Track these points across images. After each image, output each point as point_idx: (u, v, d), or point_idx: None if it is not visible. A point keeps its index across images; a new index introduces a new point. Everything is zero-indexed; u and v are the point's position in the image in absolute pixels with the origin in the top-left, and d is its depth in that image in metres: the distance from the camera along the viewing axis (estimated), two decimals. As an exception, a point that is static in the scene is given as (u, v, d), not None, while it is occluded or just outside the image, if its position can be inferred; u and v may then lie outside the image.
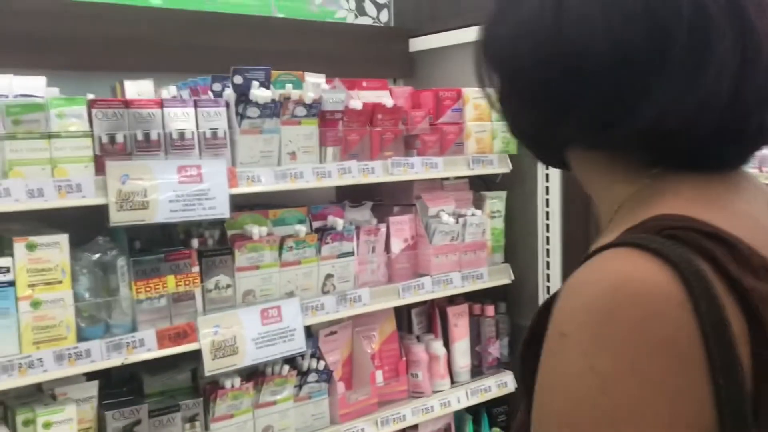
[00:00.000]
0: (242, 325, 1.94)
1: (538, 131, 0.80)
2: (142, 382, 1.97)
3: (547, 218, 2.49)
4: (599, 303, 0.62)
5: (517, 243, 2.62)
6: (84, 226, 1.81)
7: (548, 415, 0.65)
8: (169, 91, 2.03)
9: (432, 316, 2.56)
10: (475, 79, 0.85)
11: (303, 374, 2.10)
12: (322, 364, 2.14)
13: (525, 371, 0.75)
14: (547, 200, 2.48)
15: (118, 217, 1.72)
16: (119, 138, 1.77)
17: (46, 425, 1.70)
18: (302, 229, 2.09)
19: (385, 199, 2.48)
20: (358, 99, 2.21)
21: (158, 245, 1.95)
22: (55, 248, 1.69)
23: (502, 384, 2.57)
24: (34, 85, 1.77)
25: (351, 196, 2.44)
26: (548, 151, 0.86)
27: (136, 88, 2.02)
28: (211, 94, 1.99)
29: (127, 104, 1.80)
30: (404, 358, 2.40)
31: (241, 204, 2.12)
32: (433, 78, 2.83)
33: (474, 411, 2.60)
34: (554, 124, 0.76)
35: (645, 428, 0.60)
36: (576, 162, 0.83)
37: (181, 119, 1.86)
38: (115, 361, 1.76)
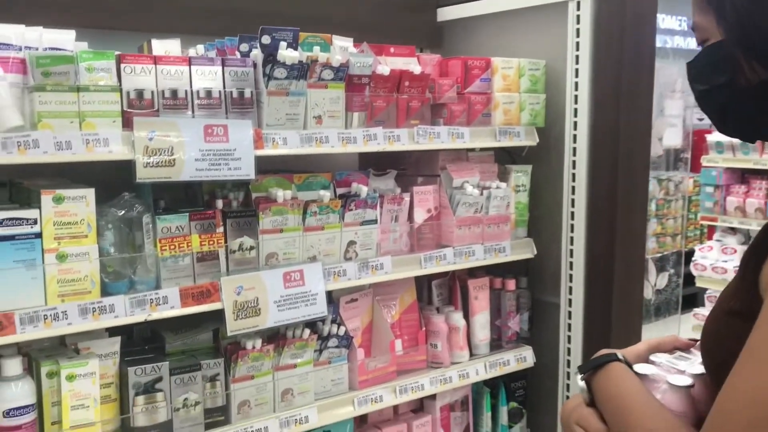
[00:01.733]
0: (265, 287, 1.93)
1: None
2: (163, 341, 1.98)
3: (573, 193, 2.46)
4: None
5: (541, 218, 2.60)
6: (110, 182, 1.81)
7: None
8: (197, 51, 2.03)
9: (452, 288, 2.55)
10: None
11: (323, 339, 2.10)
12: (342, 329, 2.14)
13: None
14: (573, 175, 2.45)
15: (144, 173, 1.72)
16: (147, 94, 1.76)
17: (70, 377, 1.71)
18: (326, 194, 2.08)
19: (408, 169, 2.46)
20: (386, 64, 2.19)
21: (182, 205, 1.95)
22: (82, 202, 1.69)
23: (521, 358, 2.55)
24: (63, 38, 1.76)
25: (373, 163, 2.42)
26: None
27: (164, 48, 2.01)
28: (238, 54, 1.98)
29: (156, 61, 1.79)
30: (424, 329, 2.39)
31: (264, 168, 2.11)
32: (459, 48, 2.80)
33: (492, 384, 2.59)
34: None
35: None
36: None
37: (209, 78, 1.85)
38: (139, 317, 1.76)
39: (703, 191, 5.65)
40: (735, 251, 5.40)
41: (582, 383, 1.16)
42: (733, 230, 5.59)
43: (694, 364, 1.14)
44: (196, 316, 1.89)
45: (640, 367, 1.15)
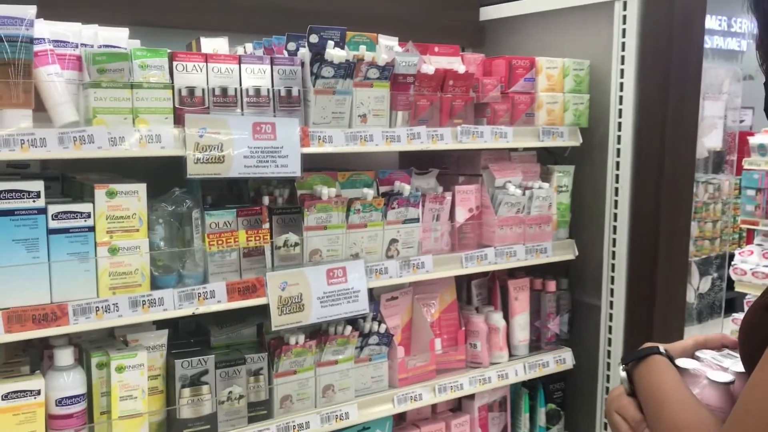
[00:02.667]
0: (309, 283, 1.95)
1: None
2: (208, 334, 2.01)
3: (616, 195, 2.44)
4: None
5: (583, 219, 2.58)
6: (161, 177, 1.84)
7: None
8: (245, 50, 2.05)
9: (492, 288, 2.54)
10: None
11: (364, 336, 2.11)
12: (383, 327, 2.15)
13: None
14: (617, 176, 2.43)
15: (195, 170, 1.75)
16: (198, 92, 1.79)
17: (119, 369, 1.75)
18: (370, 192, 2.09)
19: (450, 167, 2.46)
20: (430, 64, 2.19)
21: (229, 201, 1.97)
22: (134, 197, 1.73)
23: (560, 360, 2.54)
24: (117, 36, 1.80)
25: (415, 162, 2.43)
26: None
27: (212, 46, 2.04)
28: (286, 52, 2.00)
29: (207, 59, 1.82)
30: (463, 328, 2.39)
31: (308, 165, 2.13)
32: (502, 48, 2.79)
33: (530, 386, 2.58)
34: None
35: None
36: None
37: (258, 76, 1.87)
38: (187, 310, 1.80)
39: (744, 194, 5.55)
40: (776, 256, 5.29)
41: (623, 373, 1.20)
42: (775, 235, 5.48)
43: (739, 362, 1.14)
44: (241, 310, 1.92)
45: (682, 361, 1.17)
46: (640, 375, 1.16)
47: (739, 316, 5.41)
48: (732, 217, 5.90)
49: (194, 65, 1.80)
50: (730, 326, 5.31)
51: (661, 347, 1.19)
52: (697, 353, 1.23)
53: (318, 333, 2.06)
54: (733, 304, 5.37)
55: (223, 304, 1.84)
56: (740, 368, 1.12)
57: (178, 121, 1.76)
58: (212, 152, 1.76)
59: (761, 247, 5.49)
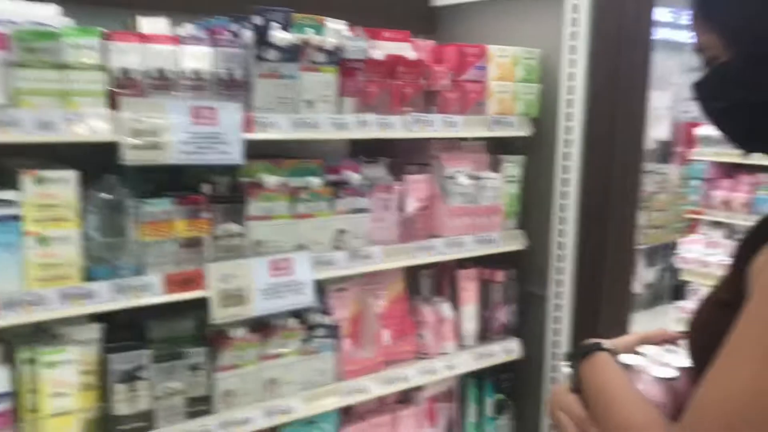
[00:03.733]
0: (251, 275, 1.89)
1: None
2: (146, 328, 1.93)
3: (564, 186, 2.43)
4: None
5: (532, 210, 2.57)
6: (94, 164, 1.75)
7: None
8: (186, 30, 1.96)
9: (441, 278, 2.52)
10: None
11: (310, 328, 2.06)
12: (330, 319, 2.10)
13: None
14: (566, 166, 2.42)
15: (130, 156, 1.66)
16: (134, 74, 1.70)
17: (48, 365, 1.66)
18: (316, 181, 2.03)
19: (401, 156, 2.41)
20: (379, 49, 2.14)
21: (168, 189, 1.89)
22: (64, 184, 1.64)
23: (508, 350, 2.54)
24: (45, 13, 1.70)
25: (364, 151, 2.38)
26: None
27: (151, 25, 1.95)
28: (228, 34, 1.92)
29: (144, 39, 1.73)
30: (412, 319, 2.36)
31: (252, 152, 2.06)
32: (453, 35, 2.75)
33: (478, 376, 2.57)
34: None
35: None
36: None
37: (198, 58, 1.79)
38: (122, 303, 1.72)
39: (690, 185, 5.67)
40: (720, 245, 5.43)
41: (567, 370, 1.19)
42: (718, 224, 5.62)
43: (681, 357, 1.15)
44: (181, 303, 1.85)
45: (625, 358, 1.17)
46: (585, 372, 1.15)
47: (684, 304, 5.53)
48: (680, 207, 6.02)
49: (130, 46, 1.71)
50: (675, 313, 5.43)
51: (605, 343, 1.18)
52: (640, 349, 1.23)
53: (261, 326, 2.00)
54: (679, 291, 5.49)
55: (161, 297, 1.76)
56: (682, 363, 1.13)
57: (113, 104, 1.67)
58: (149, 138, 1.68)
59: (706, 236, 5.62)
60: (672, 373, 1.11)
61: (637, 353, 1.21)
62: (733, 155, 5.12)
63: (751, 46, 0.95)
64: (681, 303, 5.53)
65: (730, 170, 5.43)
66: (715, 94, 1.03)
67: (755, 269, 0.91)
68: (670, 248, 3.82)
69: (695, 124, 5.45)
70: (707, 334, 1.00)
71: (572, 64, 2.37)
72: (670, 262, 3.77)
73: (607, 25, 2.31)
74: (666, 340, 1.25)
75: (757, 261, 0.91)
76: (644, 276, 3.28)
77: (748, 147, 1.07)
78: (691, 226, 6.15)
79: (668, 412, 1.09)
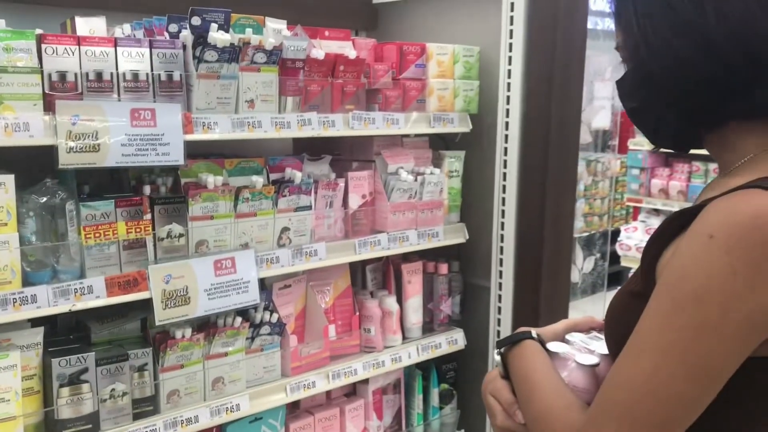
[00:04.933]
0: (195, 275, 1.90)
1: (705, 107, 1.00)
2: (89, 331, 1.93)
3: (504, 179, 2.50)
4: (746, 220, 0.87)
5: (473, 203, 2.63)
6: (31, 168, 1.73)
7: (683, 290, 0.89)
8: (123, 30, 1.95)
9: (386, 272, 2.56)
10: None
11: (255, 326, 2.08)
12: (275, 316, 2.12)
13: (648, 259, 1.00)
14: (505, 161, 2.48)
15: (67, 159, 1.65)
16: (70, 76, 1.69)
17: (-12, 371, 1.64)
18: (259, 180, 2.04)
19: (343, 153, 2.45)
20: (320, 48, 2.16)
21: (108, 191, 1.89)
22: (0, 189, 1.62)
23: (452, 341, 2.60)
24: (-22, 15, 1.67)
25: (308, 149, 2.40)
26: (704, 120, 1.04)
27: (88, 26, 1.93)
28: (167, 35, 1.92)
29: (80, 41, 1.72)
30: (357, 313, 2.40)
31: (195, 153, 2.07)
32: (395, 32, 2.79)
33: (424, 367, 2.63)
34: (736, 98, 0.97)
35: (755, 308, 0.87)
36: (724, 130, 1.03)
37: (136, 60, 1.79)
38: (63, 307, 1.71)
39: (630, 173, 5.84)
40: (658, 232, 5.61)
41: (498, 357, 1.24)
42: (657, 212, 5.81)
43: (604, 343, 1.21)
44: (124, 305, 1.85)
45: (552, 345, 1.22)
46: (513, 359, 1.20)
47: (625, 288, 5.70)
48: (620, 195, 6.21)
49: (65, 48, 1.69)
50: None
51: (534, 332, 1.23)
52: (567, 336, 1.28)
53: (207, 325, 2.01)
54: (618, 277, 5.66)
55: (102, 300, 1.76)
56: (606, 350, 1.18)
57: (49, 107, 1.66)
58: (86, 141, 1.67)
59: (645, 223, 5.81)
60: (594, 360, 1.17)
61: (564, 341, 1.27)
62: (669, 145, 5.30)
63: (642, 58, 1.02)
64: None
65: (668, 159, 5.62)
66: (628, 94, 1.10)
67: (661, 268, 0.97)
68: (607, 236, 3.94)
69: (634, 115, 5.60)
70: (620, 324, 1.06)
71: (510, 61, 2.43)
72: (608, 249, 3.89)
73: (542, 21, 2.37)
74: (592, 327, 1.32)
75: (663, 259, 0.98)
76: (583, 266, 3.38)
77: (657, 143, 1.14)
78: (633, 214, 6.35)
79: (590, 397, 1.15)
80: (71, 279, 1.74)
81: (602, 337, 1.26)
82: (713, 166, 5.32)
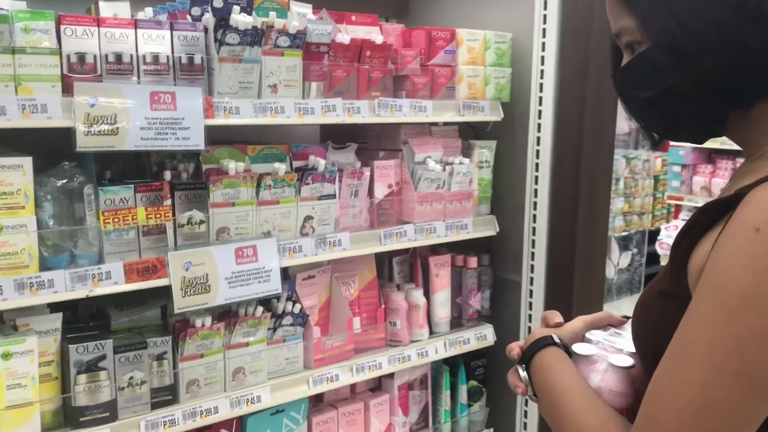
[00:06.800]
0: (215, 262, 1.86)
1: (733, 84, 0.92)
2: (108, 317, 1.90)
3: (536, 170, 2.41)
4: None
5: (504, 195, 2.55)
6: (49, 151, 1.71)
7: (730, 292, 0.81)
8: (146, 14, 1.92)
9: (413, 265, 2.50)
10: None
11: (278, 317, 2.04)
12: (298, 307, 2.07)
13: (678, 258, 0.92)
14: (538, 152, 2.40)
15: (85, 142, 1.63)
16: (89, 58, 1.66)
17: (6, 356, 1.63)
18: (282, 167, 2.00)
19: (369, 142, 2.39)
20: (346, 33, 2.11)
21: (130, 176, 1.86)
22: (18, 171, 1.60)
23: (481, 337, 2.52)
24: (-1, -3, 1.65)
25: (334, 137, 2.35)
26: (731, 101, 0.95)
27: (112, 10, 1.91)
28: (189, 18, 1.88)
29: (99, 23, 1.69)
30: (383, 306, 2.34)
31: (217, 138, 2.03)
32: (425, 19, 2.72)
33: (451, 363, 2.56)
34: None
35: None
36: (753, 110, 0.95)
37: (156, 42, 1.76)
38: (80, 293, 1.68)
39: (671, 170, 5.68)
40: (699, 231, 5.43)
41: (524, 374, 1.15)
42: (698, 210, 5.63)
43: (628, 340, 1.13)
44: (144, 292, 1.82)
45: (580, 348, 1.14)
46: (535, 373, 1.12)
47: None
48: (661, 193, 6.03)
49: (84, 29, 1.67)
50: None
51: (554, 335, 1.15)
52: (587, 335, 1.20)
53: (227, 314, 1.97)
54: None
55: (121, 286, 1.73)
56: (631, 347, 1.11)
57: (68, 89, 1.63)
58: (104, 124, 1.64)
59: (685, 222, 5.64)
60: (629, 362, 1.08)
61: (585, 339, 1.19)
62: (712, 141, 5.13)
63: (673, 33, 0.92)
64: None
65: (711, 156, 5.44)
66: (641, 83, 0.99)
67: (694, 264, 0.89)
68: (645, 234, 3.82)
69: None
70: (648, 325, 0.98)
71: (543, 47, 2.34)
72: (645, 248, 3.76)
73: (578, 7, 2.28)
74: (611, 324, 1.24)
75: (696, 254, 0.89)
76: (619, 262, 3.27)
77: (672, 136, 1.06)
78: (675, 212, 6.17)
79: (627, 401, 1.07)
80: (89, 264, 1.71)
81: (623, 333, 1.19)
82: (759, 163, 5.14)
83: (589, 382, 1.07)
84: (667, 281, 0.96)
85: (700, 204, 5.57)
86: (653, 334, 0.96)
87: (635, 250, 3.48)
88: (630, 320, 1.18)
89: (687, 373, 0.83)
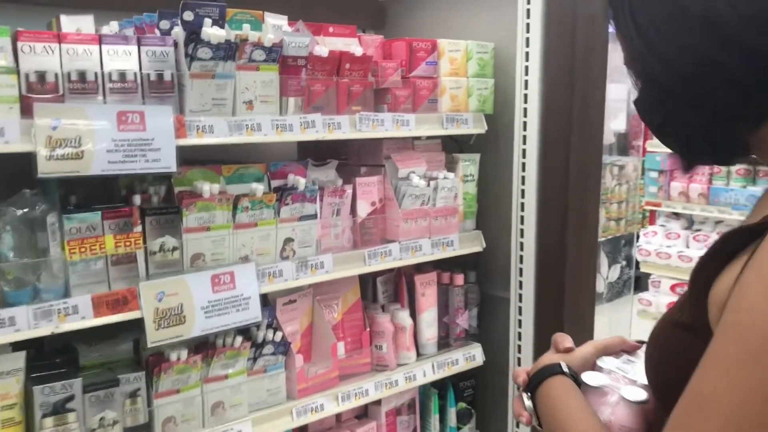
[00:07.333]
0: (190, 291, 1.75)
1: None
2: (77, 353, 1.78)
3: (523, 183, 2.33)
4: None
5: (489, 209, 2.47)
6: (7, 177, 1.59)
7: (757, 333, 0.72)
8: (111, 28, 1.81)
9: (398, 284, 2.40)
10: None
11: (258, 346, 1.92)
12: (279, 335, 1.96)
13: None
14: (524, 164, 2.32)
15: (47, 167, 1.51)
16: (50, 77, 1.54)
17: (-37, 401, 1.50)
18: (259, 187, 1.89)
19: (351, 158, 2.29)
20: (324, 45, 2.01)
21: (97, 201, 1.74)
22: (-27, 201, 1.47)
23: (469, 357, 2.43)
24: (-51, 12, 1.53)
25: (313, 153, 2.25)
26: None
27: (75, 25, 1.79)
28: (157, 32, 1.77)
29: (60, 39, 1.57)
30: (368, 329, 2.24)
31: (189, 159, 1.92)
32: (403, 30, 2.63)
33: (439, 385, 2.46)
34: None
35: None
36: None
37: (123, 59, 1.64)
38: (44, 329, 1.56)
39: (648, 176, 5.66)
40: (679, 236, 5.43)
41: (528, 402, 1.08)
42: (677, 215, 5.62)
43: (642, 369, 1.06)
44: (114, 326, 1.70)
45: (591, 378, 1.07)
46: (541, 404, 1.05)
47: (645, 295, 5.52)
48: (638, 199, 6.02)
49: (44, 46, 1.55)
50: (636, 306, 5.41)
51: (563, 363, 1.08)
52: (599, 362, 1.13)
53: (204, 346, 1.86)
54: (638, 283, 5.47)
55: (89, 321, 1.61)
56: (645, 378, 1.03)
57: (27, 111, 1.51)
58: (68, 147, 1.53)
59: (664, 227, 5.63)
60: (643, 396, 1.01)
61: (597, 367, 1.12)
62: (689, 146, 5.11)
63: (651, 69, 0.89)
64: (642, 295, 5.52)
65: (687, 161, 5.43)
66: (651, 110, 0.96)
67: (715, 296, 0.82)
68: (629, 240, 3.77)
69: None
70: (663, 361, 0.92)
71: (527, 57, 2.27)
72: (629, 254, 3.72)
73: (562, 14, 2.22)
74: (624, 349, 1.17)
75: (717, 285, 0.82)
76: (608, 275, 3.22)
77: (694, 159, 0.99)
78: (650, 218, 6.16)
79: None
80: (54, 298, 1.59)
81: (636, 360, 1.12)
82: (735, 167, 5.14)
83: (599, 415, 1.00)
84: (685, 312, 0.89)
85: (678, 209, 5.55)
86: (669, 368, 0.89)
87: (624, 263, 3.43)
88: (644, 345, 1.12)
89: (706, 423, 0.74)
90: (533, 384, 1.09)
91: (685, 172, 1.03)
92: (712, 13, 0.82)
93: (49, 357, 1.80)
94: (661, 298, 5.36)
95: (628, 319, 4.55)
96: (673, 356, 0.89)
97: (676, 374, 0.83)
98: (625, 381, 1.07)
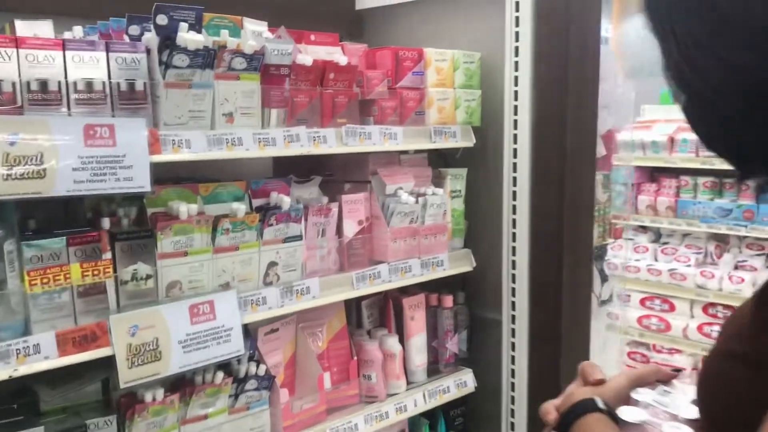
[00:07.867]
0: (167, 324, 1.57)
1: None
2: (37, 398, 1.58)
3: (514, 199, 2.22)
4: None
5: (478, 226, 2.35)
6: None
7: None
8: (75, 33, 1.64)
9: (385, 307, 2.25)
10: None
11: (240, 381, 1.75)
12: (262, 368, 1.80)
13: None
14: (515, 178, 2.21)
15: (5, 189, 1.33)
16: (6, 86, 1.36)
17: None
18: (241, 207, 1.73)
19: (335, 174, 2.15)
20: (306, 54, 1.87)
21: (59, 225, 1.55)
22: None
23: (461, 383, 2.30)
24: None
25: (291, 169, 2.09)
26: None
27: (31, 31, 1.61)
28: (127, 38, 1.61)
29: (18, 43, 1.40)
30: (355, 358, 2.09)
31: (163, 177, 1.76)
32: (382, 39, 2.51)
33: (430, 414, 2.32)
34: None
35: None
36: None
37: (89, 66, 1.47)
38: (1, 373, 1.37)
39: (614, 189, 5.65)
40: (647, 249, 5.41)
41: None
42: (644, 228, 5.61)
43: (680, 401, 0.98)
44: (80, 365, 1.51)
45: (629, 414, 0.97)
46: None
47: (613, 309, 5.49)
48: (606, 212, 5.98)
49: (1, 52, 1.37)
50: (605, 320, 5.37)
51: (596, 398, 0.98)
52: (633, 395, 1.03)
53: (182, 384, 1.68)
54: (608, 297, 5.42)
55: (53, 361, 1.42)
56: (686, 412, 0.95)
57: (-20, 124, 1.33)
58: (28, 165, 1.35)
59: (632, 241, 5.61)
60: None
61: (632, 401, 1.02)
62: (656, 160, 5.11)
63: (684, 78, 0.79)
64: (609, 308, 5.48)
65: (652, 174, 5.43)
66: (695, 122, 0.85)
67: None
68: (599, 254, 3.71)
69: (616, 130, 5.43)
70: (722, 392, 0.82)
71: (516, 66, 2.17)
72: (600, 267, 3.66)
73: (553, 22, 2.12)
74: (659, 379, 1.07)
75: None
76: (601, 293, 3.14)
77: (749, 170, 0.89)
78: (617, 231, 6.15)
79: None
80: (13, 337, 1.40)
81: (672, 391, 1.03)
82: (702, 180, 5.15)
83: None
84: (742, 342, 0.79)
85: (646, 222, 5.53)
86: (726, 399, 0.79)
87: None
88: (680, 374, 1.05)
89: None
90: (566, 422, 0.98)
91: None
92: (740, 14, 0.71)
93: (4, 402, 1.59)
94: (630, 312, 5.33)
95: (602, 334, 4.50)
96: (730, 391, 0.80)
97: (736, 411, 0.75)
98: (666, 416, 0.98)
